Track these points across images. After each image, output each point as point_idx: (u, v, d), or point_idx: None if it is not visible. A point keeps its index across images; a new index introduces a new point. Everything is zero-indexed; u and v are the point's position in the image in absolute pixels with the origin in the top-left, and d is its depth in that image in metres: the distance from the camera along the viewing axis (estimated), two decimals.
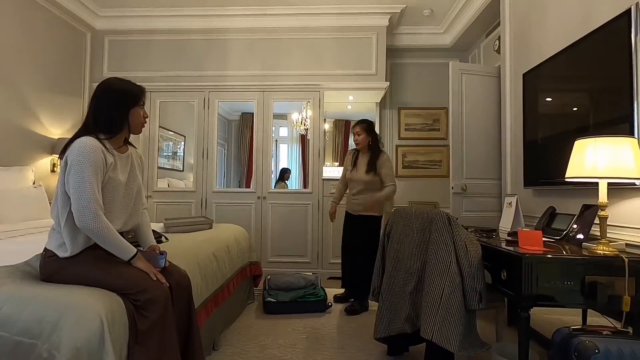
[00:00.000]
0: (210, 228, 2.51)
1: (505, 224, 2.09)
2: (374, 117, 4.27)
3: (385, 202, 2.87)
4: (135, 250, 1.25)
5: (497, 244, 1.62)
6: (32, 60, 3.18)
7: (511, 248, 1.49)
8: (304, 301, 2.60)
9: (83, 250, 1.20)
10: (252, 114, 3.86)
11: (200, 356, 1.38)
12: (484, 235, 1.92)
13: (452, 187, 2.98)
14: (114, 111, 1.28)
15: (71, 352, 0.96)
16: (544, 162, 2.16)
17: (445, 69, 3.13)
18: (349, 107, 4.51)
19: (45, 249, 1.22)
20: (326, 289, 2.81)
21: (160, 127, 3.88)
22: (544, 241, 1.51)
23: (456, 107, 2.99)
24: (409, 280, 1.71)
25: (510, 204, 2.13)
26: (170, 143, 4.61)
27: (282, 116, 5.79)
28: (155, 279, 1.22)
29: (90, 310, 1.03)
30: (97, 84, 1.34)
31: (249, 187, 4.33)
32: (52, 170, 3.39)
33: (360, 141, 2.76)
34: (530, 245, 1.44)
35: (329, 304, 2.68)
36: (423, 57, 4.20)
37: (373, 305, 2.52)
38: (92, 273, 1.17)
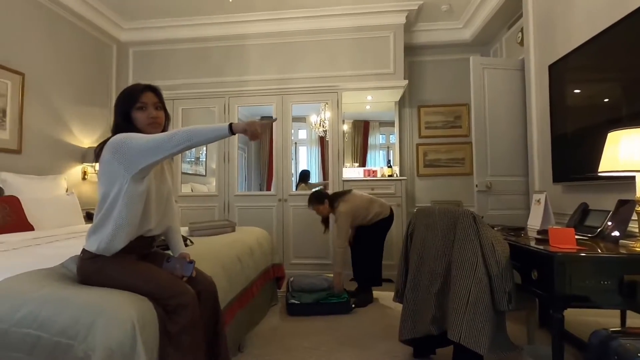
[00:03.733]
0: (234, 231, 2.55)
1: (534, 222, 2.01)
2: (393, 117, 4.23)
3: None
4: (227, 123, 1.18)
5: (526, 242, 1.56)
6: (64, 74, 3.34)
7: (542, 247, 1.43)
8: (327, 303, 2.59)
9: (117, 254, 1.24)
10: (271, 117, 3.90)
11: (226, 358, 1.40)
12: (512, 233, 1.85)
13: (477, 185, 2.90)
14: (118, 116, 1.31)
15: (105, 353, 0.99)
16: (574, 156, 2.07)
17: (466, 64, 3.07)
18: (368, 107, 4.48)
19: (84, 250, 1.26)
20: (349, 291, 2.80)
21: None
22: (577, 239, 1.45)
23: (479, 103, 2.91)
24: (434, 281, 1.68)
25: (538, 201, 2.05)
26: (193, 149, 4.73)
27: (300, 119, 5.82)
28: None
29: (123, 313, 1.06)
30: None
31: (270, 190, 4.38)
32: (83, 178, 3.55)
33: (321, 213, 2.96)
34: (562, 243, 1.38)
35: (352, 305, 2.66)
36: (442, 53, 4.13)
37: (379, 296, 2.54)
38: (125, 277, 1.21)
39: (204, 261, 1.60)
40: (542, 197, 2.01)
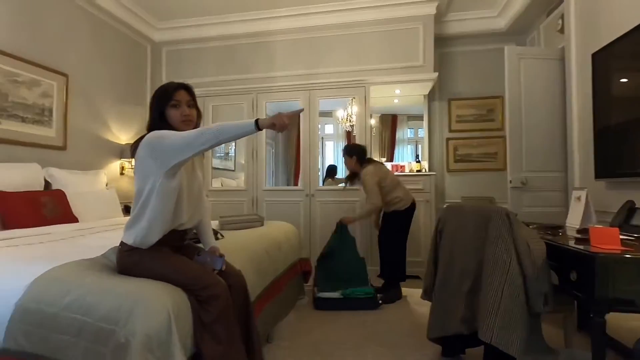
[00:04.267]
0: (262, 225, 2.60)
1: (574, 221, 1.91)
2: (422, 110, 4.13)
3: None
4: (253, 119, 1.20)
5: (565, 242, 1.49)
6: (103, 75, 3.52)
7: (582, 247, 1.36)
8: (354, 298, 2.60)
9: (152, 246, 1.31)
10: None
11: (259, 349, 1.44)
12: (549, 232, 1.77)
13: (511, 181, 2.79)
14: (153, 114, 1.37)
15: (144, 339, 1.05)
16: (620, 150, 1.94)
17: (500, 55, 2.94)
18: (396, 100, 4.40)
19: (122, 243, 1.34)
20: (376, 286, 2.78)
21: None
22: (622, 239, 1.36)
23: (514, 95, 2.79)
24: (465, 279, 1.63)
25: (578, 198, 1.94)
26: (223, 145, 4.86)
27: (327, 114, 5.80)
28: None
29: (159, 302, 1.12)
30: None
31: (297, 185, 4.42)
32: (121, 173, 3.74)
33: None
34: (605, 243, 1.30)
35: (379, 301, 2.65)
36: (474, 44, 3.97)
37: (406, 293, 2.46)
38: (159, 268, 1.27)
39: (234, 254, 1.65)
40: (583, 194, 1.90)
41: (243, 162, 4.17)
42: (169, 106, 1.35)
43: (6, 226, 2.09)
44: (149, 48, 4.16)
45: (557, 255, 1.45)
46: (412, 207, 2.88)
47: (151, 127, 1.36)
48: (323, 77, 3.76)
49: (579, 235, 1.61)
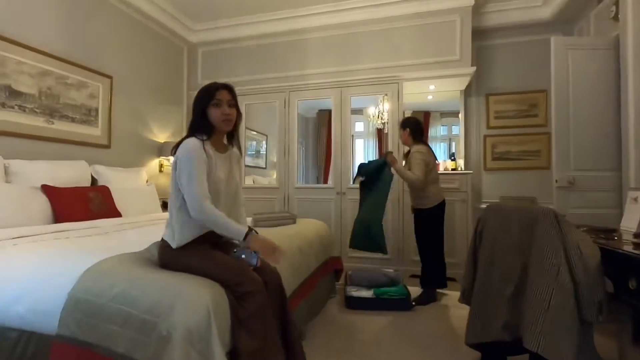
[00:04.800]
0: (294, 223, 2.61)
1: (630, 224, 1.77)
2: (457, 107, 3.98)
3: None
4: (246, 228, 1.31)
5: (621, 246, 1.37)
6: (143, 76, 3.68)
7: None
8: (388, 298, 2.55)
9: (190, 243, 1.35)
10: (329, 110, 3.91)
11: (298, 345, 1.45)
12: (601, 236, 1.64)
13: (556, 181, 2.62)
14: (195, 113, 1.41)
15: (185, 332, 1.08)
16: None
17: (544, 46, 2.77)
18: (430, 97, 4.27)
19: (162, 239, 1.39)
20: (408, 287, 2.72)
21: (246, 128, 4.18)
22: None
23: (561, 89, 2.61)
24: (507, 284, 1.55)
25: (635, 199, 1.79)
26: (254, 142, 4.94)
27: (358, 111, 5.73)
28: (277, 256, 1.33)
29: (199, 297, 1.15)
30: (195, 92, 1.47)
31: (327, 183, 4.41)
32: (160, 171, 3.89)
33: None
34: None
35: (413, 302, 2.59)
36: (516, 35, 3.76)
37: (444, 296, 2.36)
38: (197, 264, 1.30)
39: None
40: None
41: (275, 159, 4.21)
42: (211, 105, 1.38)
43: (58, 219, 2.23)
44: (186, 49, 4.30)
45: (612, 261, 1.34)
46: (442, 204, 2.75)
47: (193, 125, 1.40)
48: (355, 74, 3.71)
49: (637, 240, 1.48)
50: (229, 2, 3.69)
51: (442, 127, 4.52)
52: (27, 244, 1.62)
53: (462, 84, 3.73)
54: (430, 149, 2.78)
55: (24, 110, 2.53)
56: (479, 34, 3.75)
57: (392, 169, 2.66)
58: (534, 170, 3.71)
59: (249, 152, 4.76)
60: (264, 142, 5.17)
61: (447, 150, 4.37)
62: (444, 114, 4.41)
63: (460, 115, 3.95)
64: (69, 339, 1.19)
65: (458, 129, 4.07)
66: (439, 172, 3.68)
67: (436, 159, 2.81)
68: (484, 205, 3.66)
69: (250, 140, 4.74)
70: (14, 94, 2.46)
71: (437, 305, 2.67)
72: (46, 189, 2.27)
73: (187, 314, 1.10)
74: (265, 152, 5.25)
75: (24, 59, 2.52)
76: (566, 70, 2.60)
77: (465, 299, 1.83)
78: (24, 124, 2.53)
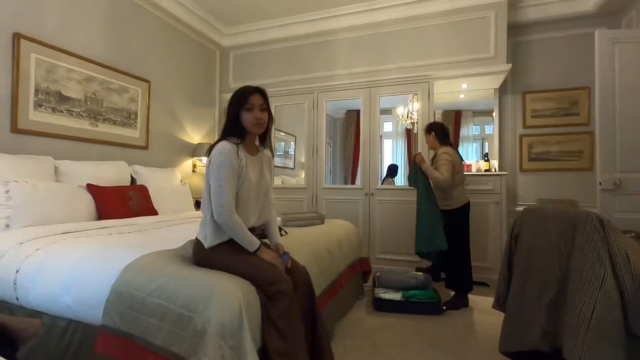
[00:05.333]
0: (323, 223, 2.63)
1: None
2: (490, 105, 3.84)
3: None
4: (259, 243, 1.39)
5: None
6: (178, 79, 3.84)
7: None
8: (417, 301, 2.51)
9: (222, 243, 1.39)
10: (357, 111, 3.89)
11: (327, 345, 1.46)
12: None
13: (600, 183, 2.47)
14: (228, 116, 1.45)
15: (219, 327, 1.12)
16: None
17: (587, 40, 2.63)
18: (462, 95, 4.14)
19: (196, 238, 1.45)
20: (439, 291, 2.66)
21: (275, 129, 4.25)
22: None
23: (606, 85, 2.46)
24: (545, 290, 1.48)
25: None
26: (283, 143, 5.01)
27: (386, 111, 5.67)
28: (282, 267, 1.35)
29: (231, 294, 1.18)
30: (227, 94, 1.52)
31: (354, 184, 4.40)
32: (193, 171, 4.04)
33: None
34: None
35: (443, 307, 2.52)
36: (555, 29, 3.58)
37: (476, 302, 2.27)
38: (230, 263, 1.34)
39: (297, 251, 1.69)
40: None
41: (303, 160, 4.25)
42: (244, 109, 1.42)
43: (101, 216, 2.38)
44: (218, 53, 4.43)
45: None
46: (467, 206, 2.72)
47: (226, 128, 1.44)
48: (385, 73, 3.68)
49: None
50: (259, 6, 3.77)
51: (474, 126, 4.38)
52: (74, 239, 1.74)
53: (496, 81, 3.59)
54: (457, 151, 2.76)
55: (72, 114, 2.72)
56: (515, 30, 3.60)
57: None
58: (574, 171, 3.51)
59: (278, 153, 4.83)
60: (292, 143, 5.23)
61: (479, 150, 4.23)
62: (477, 113, 4.27)
63: (494, 114, 3.81)
64: (112, 330, 1.27)
65: (491, 129, 3.93)
66: (471, 172, 3.59)
67: (462, 161, 2.78)
68: (519, 208, 3.51)
69: (278, 141, 4.81)
70: (63, 99, 2.65)
71: (469, 311, 2.59)
72: (91, 188, 2.43)
73: (220, 310, 1.14)
74: (293, 153, 5.31)
75: (73, 67, 2.70)
76: (612, 65, 2.45)
77: (499, 305, 1.77)
78: (72, 127, 2.71)
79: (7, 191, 1.94)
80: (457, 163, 2.66)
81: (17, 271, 1.55)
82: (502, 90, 3.76)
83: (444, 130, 2.78)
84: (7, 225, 1.91)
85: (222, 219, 1.33)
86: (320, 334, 1.43)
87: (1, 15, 2.30)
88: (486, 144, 4.16)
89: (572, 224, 1.42)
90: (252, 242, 1.37)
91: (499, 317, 1.85)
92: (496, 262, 3.10)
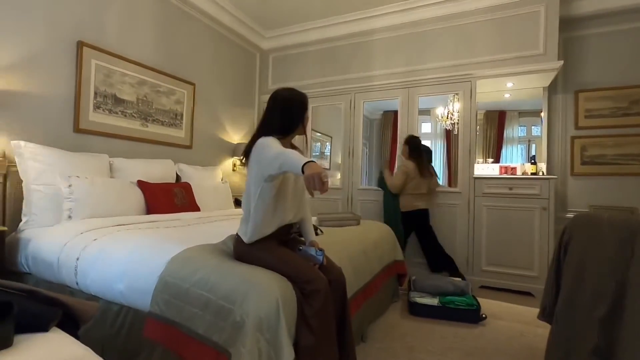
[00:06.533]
0: (358, 224, 2.62)
1: None
2: (537, 105, 3.63)
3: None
4: (307, 158, 1.26)
5: None
6: (220, 81, 4.00)
7: None
8: (455, 308, 2.43)
9: (260, 239, 1.43)
10: (394, 112, 3.84)
11: (352, 345, 1.47)
12: None
13: None
14: (286, 117, 1.45)
15: (257, 320, 1.16)
16: None
17: None
18: (507, 95, 3.95)
19: (237, 233, 1.51)
20: (478, 299, 2.56)
21: (311, 129, 4.30)
22: None
23: None
24: (599, 303, 1.38)
25: None
26: (319, 144, 5.05)
27: (425, 112, 5.53)
28: (325, 180, 1.21)
29: (269, 289, 1.22)
30: (266, 95, 1.57)
31: None
32: (233, 170, 4.18)
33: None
34: None
35: (483, 315, 2.42)
36: (614, 23, 3.31)
37: (520, 312, 2.12)
38: (269, 259, 1.39)
39: (333, 252, 1.70)
40: None
41: (338, 161, 4.26)
42: (305, 114, 1.50)
43: (149, 210, 2.54)
44: (258, 56, 4.56)
45: None
46: (413, 213, 3.23)
47: (271, 124, 1.46)
48: (424, 73, 3.60)
49: None
50: (298, 9, 3.83)
51: (520, 127, 4.15)
52: (126, 231, 1.87)
53: (545, 80, 3.38)
54: (421, 165, 3.21)
55: (125, 115, 2.92)
56: (567, 24, 3.37)
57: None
58: (634, 176, 3.23)
59: (314, 153, 4.87)
60: (328, 144, 5.26)
61: (525, 152, 4.00)
62: (523, 113, 4.05)
63: (542, 114, 3.60)
64: (158, 316, 1.36)
65: (539, 130, 3.71)
66: (515, 176, 3.41)
67: (428, 172, 3.29)
68: (569, 215, 3.28)
69: (314, 141, 4.85)
70: (118, 101, 2.86)
71: (510, 321, 2.46)
72: (141, 184, 2.60)
73: (259, 304, 1.18)
74: (329, 154, 5.34)
75: (127, 71, 2.91)
76: None
77: (545, 316, 1.67)
78: (125, 127, 2.92)
79: (70, 185, 2.12)
80: (413, 174, 3.17)
81: (77, 258, 1.70)
82: (551, 89, 3.54)
83: (416, 146, 3.28)
84: (69, 217, 2.10)
85: (272, 157, 1.29)
86: (347, 334, 1.44)
87: (67, 25, 2.52)
88: (533, 146, 3.93)
89: (630, 233, 1.31)
90: (301, 158, 1.24)
91: (544, 329, 1.75)
92: (542, 271, 2.93)
